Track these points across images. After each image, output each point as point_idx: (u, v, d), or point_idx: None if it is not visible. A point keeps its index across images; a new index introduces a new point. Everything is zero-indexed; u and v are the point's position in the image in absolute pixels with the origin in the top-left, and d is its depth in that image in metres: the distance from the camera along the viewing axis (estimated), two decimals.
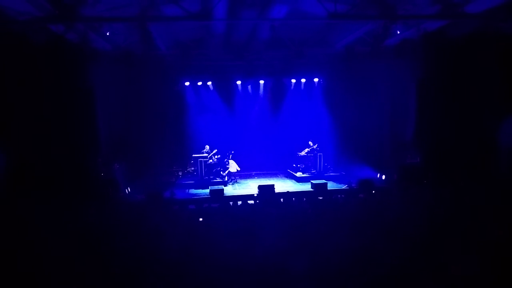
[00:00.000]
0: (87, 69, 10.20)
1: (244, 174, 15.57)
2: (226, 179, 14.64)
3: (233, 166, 14.95)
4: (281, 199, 8.68)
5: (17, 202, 7.83)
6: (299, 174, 15.12)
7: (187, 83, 16.00)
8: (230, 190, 13.62)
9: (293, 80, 16.75)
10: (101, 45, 11.26)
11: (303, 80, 16.76)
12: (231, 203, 8.20)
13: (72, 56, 9.63)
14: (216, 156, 14.79)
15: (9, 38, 8.46)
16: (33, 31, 8.99)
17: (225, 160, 15.10)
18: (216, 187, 12.59)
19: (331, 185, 13.24)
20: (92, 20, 9.46)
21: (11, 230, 6.59)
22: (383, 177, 12.93)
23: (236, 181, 15.03)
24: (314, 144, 15.48)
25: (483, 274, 3.77)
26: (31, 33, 8.92)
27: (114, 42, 11.67)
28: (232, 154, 15.48)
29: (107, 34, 10.97)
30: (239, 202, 8.21)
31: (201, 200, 10.52)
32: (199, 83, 16.15)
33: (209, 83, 16.22)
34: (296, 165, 15.76)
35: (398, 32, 11.67)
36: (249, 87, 16.92)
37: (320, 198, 8.87)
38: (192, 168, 15.26)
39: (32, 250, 4.76)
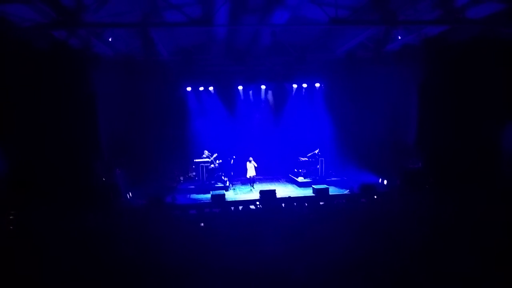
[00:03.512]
0: (89, 75, 10.25)
1: (246, 179, 15.53)
2: (227, 184, 14.61)
3: (251, 170, 14.54)
4: (283, 204, 8.66)
5: (18, 207, 7.84)
6: (300, 179, 15.09)
7: (188, 88, 16.05)
8: (231, 195, 13.60)
9: (295, 86, 16.79)
10: (103, 51, 11.33)
11: (304, 85, 16.79)
12: (232, 208, 8.19)
13: (74, 61, 9.69)
14: (218, 161, 14.78)
15: (13, 44, 8.53)
16: (36, 37, 9.06)
17: (231, 163, 15.07)
18: (217, 192, 12.57)
19: (332, 190, 13.18)
20: (94, 26, 9.53)
21: (13, 235, 6.59)
22: (385, 182, 12.89)
23: (253, 186, 14.64)
24: (315, 149, 15.48)
25: (485, 278, 3.74)
26: (34, 39, 8.99)
27: (116, 48, 11.75)
28: (233, 159, 15.45)
29: (109, 40, 11.04)
30: (240, 207, 8.20)
31: (203, 205, 10.49)
32: (201, 88, 16.20)
33: (211, 88, 16.27)
34: (298, 170, 15.74)
35: (399, 38, 11.71)
36: (251, 92, 16.97)
37: (322, 203, 8.84)
38: (194, 173, 15.25)
39: (34, 255, 4.75)
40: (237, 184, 15.56)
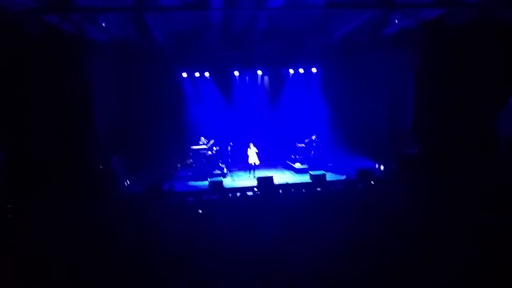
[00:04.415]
0: (83, 60, 10.11)
1: (243, 165, 15.56)
2: (224, 171, 14.62)
3: (252, 156, 14.26)
4: (280, 191, 8.70)
5: (16, 196, 7.82)
6: (297, 165, 15.13)
7: (184, 74, 15.88)
8: (229, 182, 13.63)
9: (291, 71, 16.66)
10: (97, 36, 11.12)
11: (301, 70, 16.65)
12: (230, 194, 8.22)
13: (67, 47, 9.53)
14: (215, 148, 14.74)
15: (3, 29, 8.35)
16: (28, 22, 8.86)
17: (228, 150, 15.04)
18: (215, 179, 12.58)
19: (329, 176, 13.23)
20: (86, 11, 9.33)
21: (11, 224, 6.59)
22: (382, 167, 12.96)
23: (253, 173, 14.37)
24: (312, 135, 15.48)
25: (481, 263, 3.80)
26: (26, 24, 8.80)
27: (110, 33, 11.52)
28: (231, 145, 15.42)
29: (103, 24, 10.82)
30: (238, 194, 8.23)
31: (200, 192, 10.52)
32: (197, 74, 16.04)
33: (207, 74, 16.11)
34: (295, 156, 15.76)
35: (396, 21, 11.57)
36: (247, 77, 16.83)
37: (319, 189, 8.89)
38: (191, 160, 15.24)
39: (31, 243, 4.76)
40: (235, 170, 15.59)
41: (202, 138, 14.78)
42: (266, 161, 16.88)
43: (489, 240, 4.16)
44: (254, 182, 12.47)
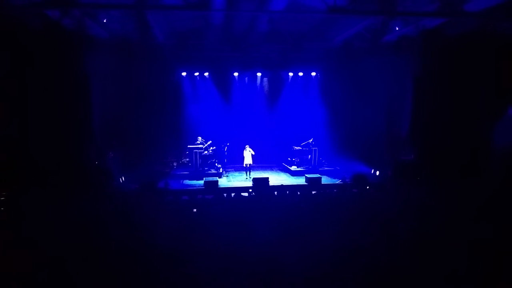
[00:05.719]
0: (82, 56, 10.07)
1: (239, 166, 15.59)
2: (220, 171, 14.62)
3: (247, 158, 14.25)
4: (275, 192, 8.70)
5: (9, 190, 7.78)
6: (293, 167, 15.17)
7: (184, 73, 15.91)
8: (224, 182, 13.64)
9: (291, 74, 16.73)
10: (98, 32, 11.12)
11: (300, 74, 16.73)
12: (225, 194, 8.22)
13: (67, 42, 9.50)
14: (211, 148, 14.76)
15: (4, 22, 8.33)
16: (29, 16, 8.85)
17: (225, 150, 15.06)
18: (210, 178, 12.59)
19: (325, 180, 13.30)
20: (88, 7, 9.33)
21: (3, 219, 6.56)
22: (377, 173, 13.01)
23: (249, 174, 14.43)
24: (309, 138, 15.53)
25: (474, 269, 3.83)
26: (27, 18, 8.78)
27: (111, 30, 11.53)
28: (227, 146, 15.44)
29: (104, 21, 10.83)
30: (233, 194, 8.22)
31: (195, 191, 10.52)
32: (196, 74, 16.07)
33: (206, 74, 16.14)
34: (291, 158, 15.80)
35: (397, 29, 11.66)
36: (246, 79, 16.87)
37: (314, 192, 8.89)
38: (187, 159, 15.24)
39: (24, 240, 4.73)
40: (230, 171, 15.61)
41: (200, 138, 14.79)
42: (263, 163, 16.92)
43: (481, 246, 4.19)
44: (249, 183, 12.49)
